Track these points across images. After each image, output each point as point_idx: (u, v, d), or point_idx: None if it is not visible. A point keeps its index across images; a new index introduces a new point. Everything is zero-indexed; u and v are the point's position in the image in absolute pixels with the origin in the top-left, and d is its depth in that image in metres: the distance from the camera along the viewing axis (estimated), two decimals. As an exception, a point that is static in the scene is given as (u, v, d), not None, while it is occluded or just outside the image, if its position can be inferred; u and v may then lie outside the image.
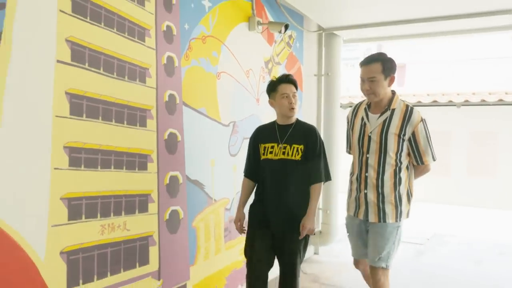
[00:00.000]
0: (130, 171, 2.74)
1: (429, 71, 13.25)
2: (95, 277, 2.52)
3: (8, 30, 2.04)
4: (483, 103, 9.51)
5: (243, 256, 3.15)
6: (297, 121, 3.05)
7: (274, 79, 3.07)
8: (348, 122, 3.08)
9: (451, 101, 9.80)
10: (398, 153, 2.78)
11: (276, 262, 3.04)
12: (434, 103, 9.99)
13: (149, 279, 2.90)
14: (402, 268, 4.90)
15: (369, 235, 2.92)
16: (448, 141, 10.24)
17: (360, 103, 3.02)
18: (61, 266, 2.32)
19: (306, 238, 3.00)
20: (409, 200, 2.90)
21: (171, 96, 3.06)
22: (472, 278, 4.74)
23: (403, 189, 2.84)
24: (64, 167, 2.32)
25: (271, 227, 2.96)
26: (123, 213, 2.69)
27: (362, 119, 2.91)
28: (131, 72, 2.73)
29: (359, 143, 2.90)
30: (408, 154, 2.83)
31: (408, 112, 2.77)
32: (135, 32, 2.76)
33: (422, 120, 2.78)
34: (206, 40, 3.40)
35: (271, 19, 4.30)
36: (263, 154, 3.01)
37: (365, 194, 2.87)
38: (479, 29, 5.16)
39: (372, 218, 2.85)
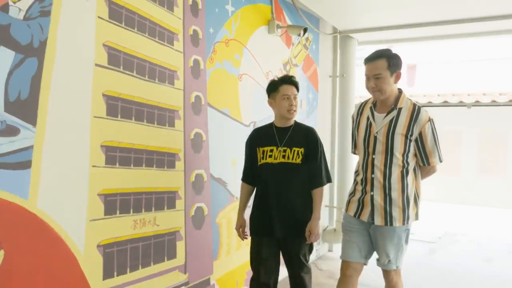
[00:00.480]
0: (160, 169, 2.86)
1: (440, 71, 13.25)
2: (128, 269, 2.64)
3: (52, 36, 2.16)
4: (493, 103, 9.53)
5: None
6: (296, 123, 2.97)
7: (276, 79, 2.99)
8: (353, 122, 2.97)
9: (461, 102, 9.83)
10: (405, 153, 2.67)
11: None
12: (445, 104, 10.03)
13: (176, 273, 3.02)
14: (415, 265, 4.99)
15: (376, 238, 2.79)
16: (458, 141, 10.28)
17: (366, 102, 2.90)
18: (98, 259, 2.44)
19: (304, 238, 2.92)
20: (416, 202, 2.78)
21: (197, 98, 3.18)
22: (483, 275, 4.81)
23: (410, 192, 2.72)
24: (101, 165, 2.44)
25: (275, 233, 2.89)
26: (153, 209, 2.81)
27: (368, 118, 2.78)
28: (161, 75, 2.84)
29: (364, 144, 2.78)
30: (415, 155, 2.72)
31: (415, 111, 2.65)
32: (165, 36, 2.87)
33: (430, 120, 2.66)
34: (229, 43, 3.51)
35: (289, 22, 4.39)
36: (262, 158, 2.92)
37: (372, 196, 2.73)
38: (492, 32, 5.21)
39: (379, 221, 2.71)
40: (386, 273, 2.84)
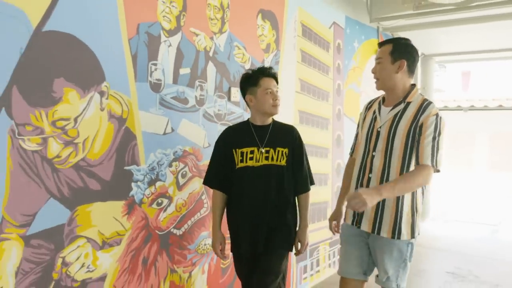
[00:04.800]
0: (320, 158, 4.09)
1: (494, 77, 13.86)
2: (305, 223, 3.88)
3: (279, 75, 3.42)
4: (546, 107, 10.22)
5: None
6: (274, 121, 2.54)
7: (251, 72, 2.44)
8: (360, 119, 2.57)
9: (516, 106, 10.56)
10: (406, 153, 2.22)
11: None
12: (500, 107, 10.79)
13: (326, 230, 4.24)
14: (482, 240, 6.01)
15: (374, 249, 2.34)
16: (512, 141, 11.04)
17: (377, 98, 2.50)
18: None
19: (287, 253, 2.45)
20: (413, 215, 2.24)
21: (339, 110, 4.38)
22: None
23: (406, 201, 2.22)
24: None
25: (257, 248, 2.36)
26: (316, 185, 4.04)
27: (374, 112, 2.38)
28: (323, 96, 4.07)
29: (366, 139, 2.36)
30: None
31: (424, 104, 2.21)
32: (325, 69, 4.09)
33: (437, 115, 2.17)
34: (355, 70, 4.70)
35: (388, 49, 5.53)
36: (241, 161, 2.40)
37: None
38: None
39: (366, 227, 2.28)
40: None
